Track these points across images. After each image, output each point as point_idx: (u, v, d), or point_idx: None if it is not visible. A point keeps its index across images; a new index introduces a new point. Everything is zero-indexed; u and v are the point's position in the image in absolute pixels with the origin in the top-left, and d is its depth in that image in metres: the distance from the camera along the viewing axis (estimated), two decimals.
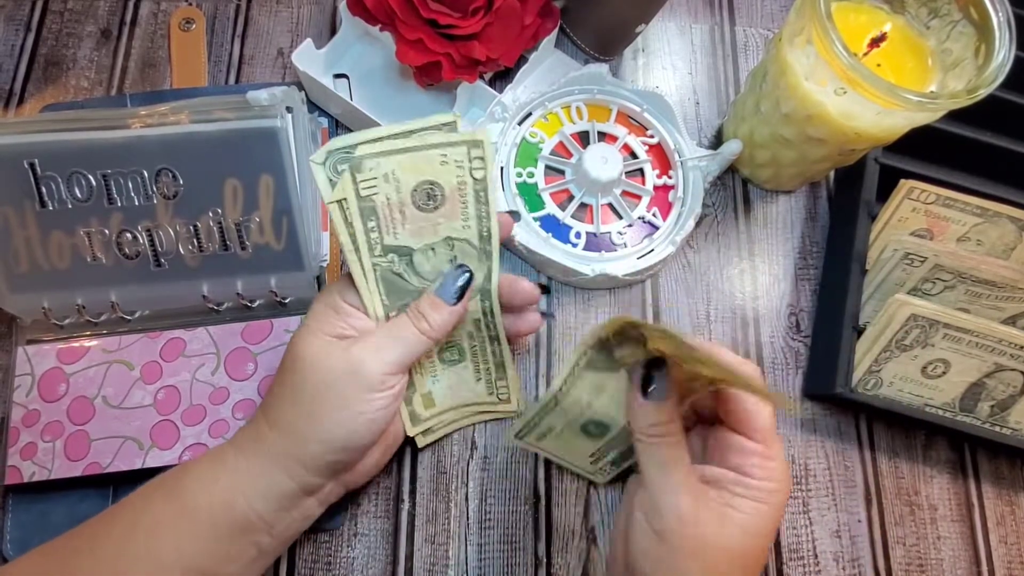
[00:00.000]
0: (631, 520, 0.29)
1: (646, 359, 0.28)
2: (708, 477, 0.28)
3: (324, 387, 0.30)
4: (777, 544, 0.40)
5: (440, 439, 0.39)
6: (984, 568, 0.40)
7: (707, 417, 0.31)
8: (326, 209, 0.43)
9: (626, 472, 0.37)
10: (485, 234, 0.33)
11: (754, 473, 0.28)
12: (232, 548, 0.30)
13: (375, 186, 0.30)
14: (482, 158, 0.31)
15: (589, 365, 0.29)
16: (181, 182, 0.37)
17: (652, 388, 0.28)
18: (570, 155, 0.44)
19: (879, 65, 0.37)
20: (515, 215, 0.41)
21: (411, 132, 0.31)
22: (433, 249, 0.33)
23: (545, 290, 0.37)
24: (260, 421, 0.31)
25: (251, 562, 0.30)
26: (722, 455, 0.29)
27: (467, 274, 0.33)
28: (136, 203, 0.37)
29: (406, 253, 0.32)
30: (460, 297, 0.33)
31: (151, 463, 0.36)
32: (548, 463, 0.40)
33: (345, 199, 0.30)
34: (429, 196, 0.31)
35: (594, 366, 0.29)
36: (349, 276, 0.32)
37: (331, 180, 0.29)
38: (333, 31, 0.47)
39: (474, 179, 0.31)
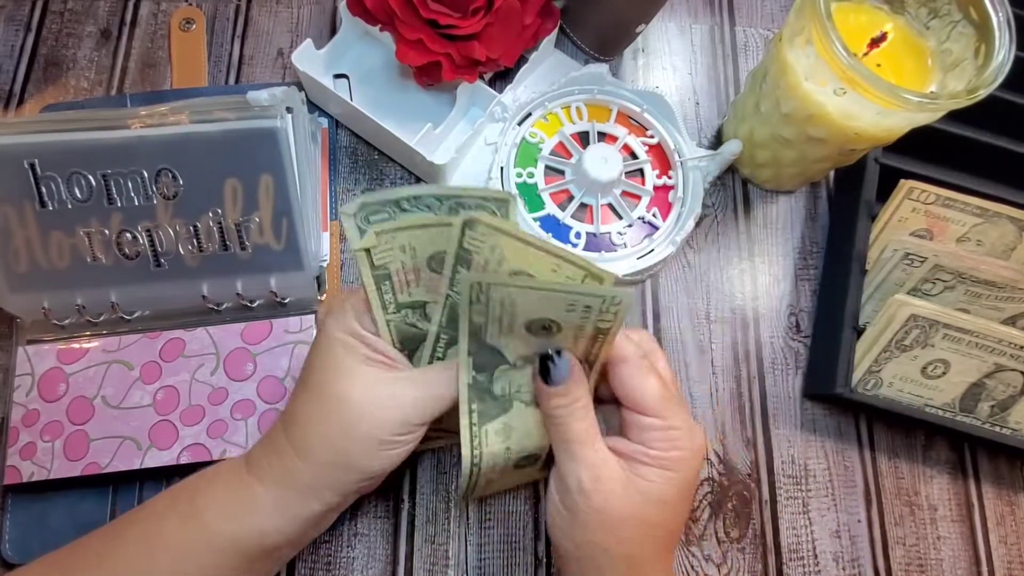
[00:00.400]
0: (547, 501, 0.30)
1: (540, 353, 0.29)
2: (619, 449, 0.29)
3: (367, 431, 0.29)
4: (777, 544, 0.40)
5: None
6: (984, 568, 0.40)
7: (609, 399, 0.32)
8: (326, 209, 0.43)
9: None
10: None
11: (655, 445, 0.28)
12: (257, 569, 0.30)
13: (390, 254, 0.29)
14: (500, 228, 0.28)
15: (482, 420, 0.30)
16: (181, 182, 0.37)
17: (551, 374, 0.28)
18: (570, 155, 0.44)
19: (879, 65, 0.37)
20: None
21: (453, 196, 0.29)
22: (448, 298, 0.31)
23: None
24: (286, 450, 0.30)
25: (269, 573, 0.32)
26: (627, 430, 0.29)
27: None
28: (136, 203, 0.37)
29: (419, 306, 0.31)
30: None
31: (149, 463, 0.36)
32: (548, 462, 0.40)
33: (374, 247, 0.29)
34: (545, 327, 0.29)
35: (485, 418, 0.30)
36: (361, 297, 0.30)
37: (360, 229, 0.28)
38: (333, 31, 0.47)
39: (598, 328, 0.29)
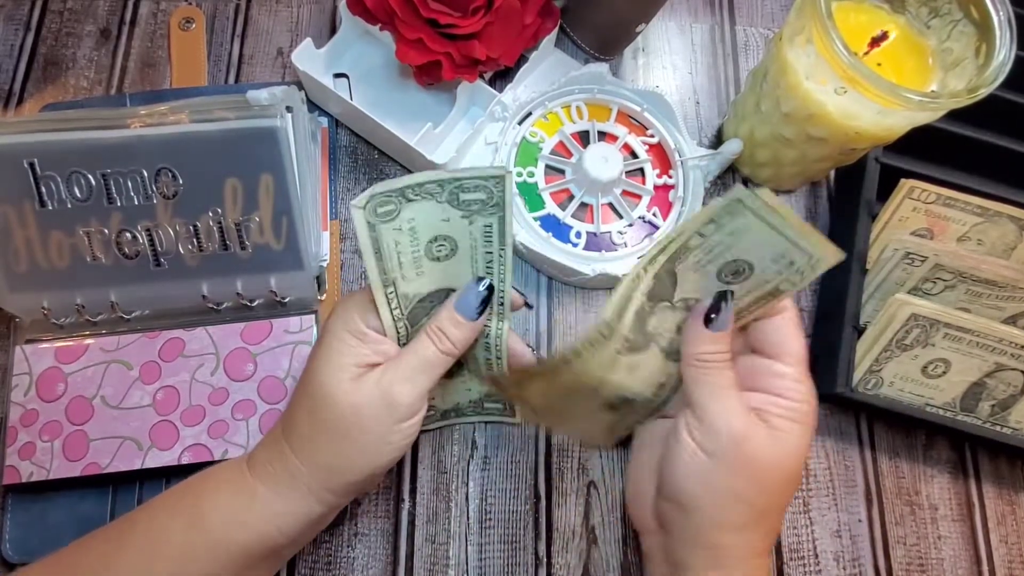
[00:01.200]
0: (674, 446, 0.29)
1: (719, 292, 0.30)
2: (753, 403, 0.29)
3: (359, 425, 0.29)
4: (777, 544, 0.40)
5: (441, 439, 0.39)
6: (985, 568, 0.40)
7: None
8: (326, 209, 0.43)
9: (628, 437, 0.36)
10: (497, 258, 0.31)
11: (791, 395, 0.29)
12: (259, 568, 0.31)
13: (395, 236, 0.29)
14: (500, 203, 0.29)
15: (628, 350, 0.30)
16: (181, 182, 0.37)
17: (715, 317, 0.29)
18: (570, 155, 0.44)
19: (880, 64, 0.37)
20: (528, 306, 0.41)
21: (453, 180, 0.28)
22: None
23: (528, 307, 0.36)
24: (287, 454, 0.30)
25: (271, 571, 0.32)
26: (756, 381, 0.30)
27: (488, 287, 0.31)
28: (136, 203, 0.37)
29: (426, 300, 0.32)
30: (481, 312, 0.31)
31: (150, 463, 0.36)
32: (549, 462, 0.40)
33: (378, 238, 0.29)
34: (736, 272, 0.30)
35: (632, 348, 0.30)
36: (367, 297, 0.30)
37: (370, 224, 0.28)
38: (333, 30, 0.47)
39: (778, 288, 0.30)
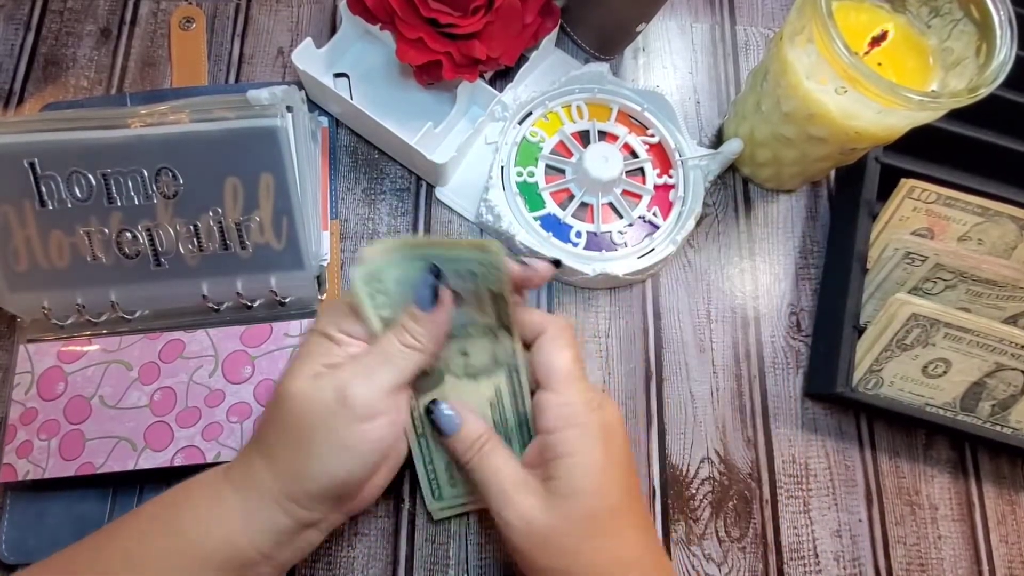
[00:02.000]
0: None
1: (423, 407, 0.32)
2: (531, 461, 0.29)
3: (310, 424, 0.28)
4: (778, 543, 0.40)
5: None
6: (985, 567, 0.40)
7: None
8: (326, 208, 0.43)
9: None
10: (504, 320, 0.32)
11: (553, 428, 0.28)
12: None
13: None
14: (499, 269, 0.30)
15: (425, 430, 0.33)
16: (181, 181, 0.37)
17: (440, 425, 0.31)
18: (570, 154, 0.44)
19: (880, 64, 0.37)
20: (557, 263, 0.35)
21: (446, 247, 0.31)
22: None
23: (557, 264, 0.34)
24: (254, 455, 0.29)
25: None
26: (538, 420, 0.30)
27: (433, 275, 0.30)
28: (136, 202, 0.37)
29: None
30: (435, 299, 0.30)
31: (144, 464, 0.35)
32: None
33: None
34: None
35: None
36: (344, 302, 0.31)
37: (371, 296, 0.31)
38: (333, 30, 0.47)
39: (490, 291, 0.31)
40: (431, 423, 0.31)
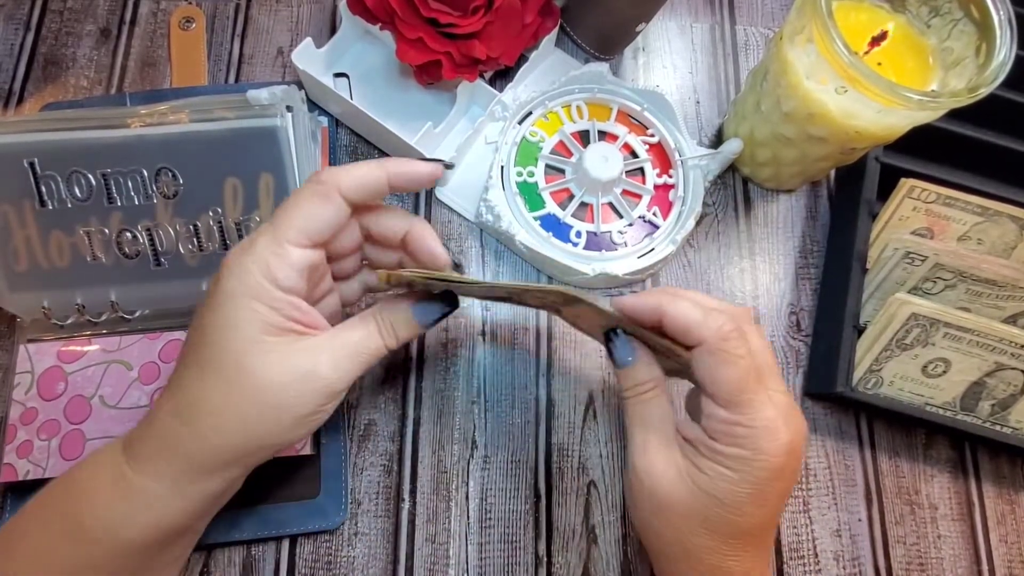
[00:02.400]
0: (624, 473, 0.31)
1: (603, 328, 0.30)
2: (687, 434, 0.28)
3: (279, 404, 0.27)
4: (777, 543, 0.40)
5: (441, 439, 0.40)
6: (984, 567, 0.40)
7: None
8: None
9: None
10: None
11: (716, 437, 0.27)
12: (165, 554, 0.29)
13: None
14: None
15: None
16: (181, 181, 0.37)
17: (614, 354, 0.30)
18: (570, 154, 0.44)
19: (880, 64, 0.37)
20: (448, 164, 0.33)
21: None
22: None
23: (448, 166, 0.32)
24: (181, 437, 0.27)
25: (186, 546, 0.30)
26: (700, 416, 0.29)
27: (450, 309, 0.31)
28: (136, 202, 0.37)
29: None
30: (435, 324, 0.31)
31: None
32: (549, 462, 0.40)
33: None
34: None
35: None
36: (270, 246, 0.27)
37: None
38: (333, 30, 0.47)
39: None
40: (607, 348, 0.30)
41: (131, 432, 0.28)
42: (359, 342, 0.29)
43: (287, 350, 0.27)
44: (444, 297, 0.31)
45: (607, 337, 0.30)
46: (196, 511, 0.28)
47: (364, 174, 0.28)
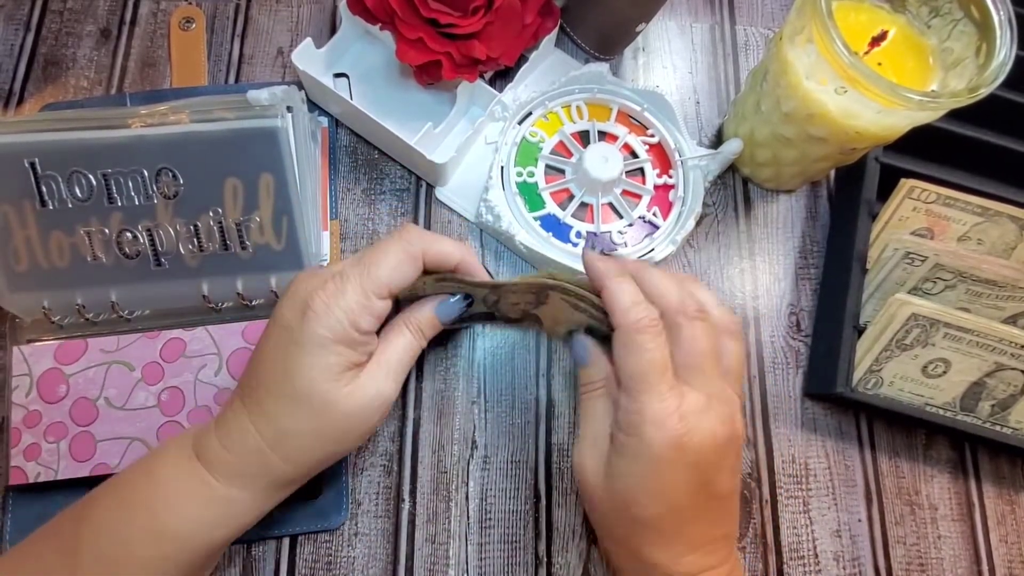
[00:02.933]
0: None
1: (567, 327, 0.32)
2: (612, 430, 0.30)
3: (353, 429, 0.31)
4: (777, 543, 0.40)
5: (441, 439, 0.40)
6: (984, 567, 0.40)
7: None
8: (326, 208, 0.43)
9: None
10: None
11: (622, 427, 0.28)
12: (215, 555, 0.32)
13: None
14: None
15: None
16: (181, 182, 0.37)
17: (572, 352, 0.32)
18: (570, 154, 0.44)
19: (880, 64, 0.37)
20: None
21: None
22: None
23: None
24: (261, 451, 0.30)
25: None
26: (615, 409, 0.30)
27: (468, 302, 0.33)
28: (136, 202, 0.37)
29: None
30: (456, 321, 0.34)
31: None
32: (549, 462, 0.40)
33: None
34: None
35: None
36: (354, 296, 0.29)
37: None
38: (333, 30, 0.47)
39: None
40: (568, 346, 0.33)
41: (205, 443, 0.30)
42: (403, 353, 0.32)
43: (360, 381, 0.30)
44: (465, 297, 0.34)
45: (566, 338, 0.32)
46: (270, 509, 0.32)
47: (448, 252, 0.32)
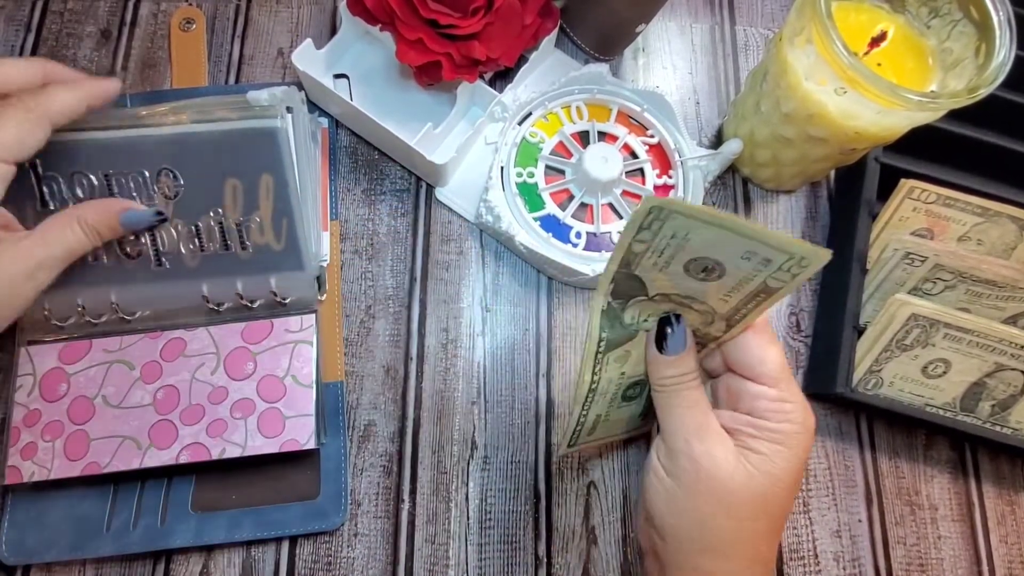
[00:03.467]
0: (648, 469, 0.29)
1: (660, 315, 0.29)
2: (725, 424, 0.28)
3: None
4: (778, 543, 0.40)
5: (441, 440, 0.40)
6: (985, 567, 0.40)
7: (715, 372, 0.31)
8: (326, 209, 0.43)
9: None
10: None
11: (768, 416, 0.27)
12: None
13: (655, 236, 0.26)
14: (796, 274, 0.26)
15: (608, 348, 0.29)
16: (182, 182, 0.37)
17: (667, 341, 0.29)
18: (570, 155, 0.44)
19: (879, 64, 0.37)
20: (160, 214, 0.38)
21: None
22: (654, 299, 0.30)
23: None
24: None
25: None
26: (735, 402, 0.29)
27: (161, 218, 0.35)
28: (137, 203, 0.37)
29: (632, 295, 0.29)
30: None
31: (149, 463, 0.36)
32: (549, 462, 0.40)
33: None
34: (706, 269, 0.27)
35: (611, 346, 0.29)
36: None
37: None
38: (333, 31, 0.47)
39: (767, 285, 0.26)
40: (659, 332, 0.29)
41: None
42: (64, 249, 0.32)
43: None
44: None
45: (662, 324, 0.29)
46: None
47: (66, 102, 0.32)
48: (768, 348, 0.28)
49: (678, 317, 0.29)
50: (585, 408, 0.31)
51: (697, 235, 0.25)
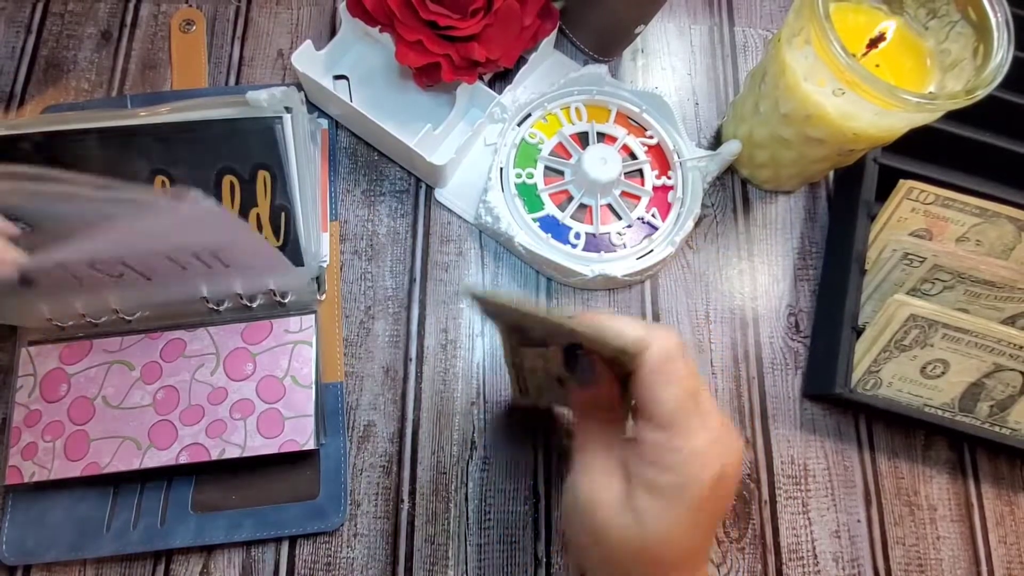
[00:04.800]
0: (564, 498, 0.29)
1: (565, 344, 0.29)
2: (628, 465, 0.27)
3: None
4: (776, 544, 0.40)
5: (441, 440, 0.40)
6: (984, 568, 0.40)
7: None
8: (325, 209, 0.43)
9: None
10: None
11: (654, 463, 0.25)
12: None
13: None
14: None
15: (522, 345, 0.32)
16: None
17: (576, 371, 0.28)
18: (569, 156, 0.44)
19: (878, 66, 0.37)
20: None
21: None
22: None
23: None
24: None
25: None
26: (637, 444, 0.26)
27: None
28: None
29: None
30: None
31: (148, 463, 0.36)
32: (548, 462, 0.40)
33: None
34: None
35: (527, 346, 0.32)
36: None
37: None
38: (333, 32, 0.48)
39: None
40: (570, 367, 0.29)
41: None
42: None
43: None
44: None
45: (568, 356, 0.29)
46: None
47: None
48: (664, 387, 0.25)
49: (575, 349, 0.28)
50: (513, 371, 0.34)
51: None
